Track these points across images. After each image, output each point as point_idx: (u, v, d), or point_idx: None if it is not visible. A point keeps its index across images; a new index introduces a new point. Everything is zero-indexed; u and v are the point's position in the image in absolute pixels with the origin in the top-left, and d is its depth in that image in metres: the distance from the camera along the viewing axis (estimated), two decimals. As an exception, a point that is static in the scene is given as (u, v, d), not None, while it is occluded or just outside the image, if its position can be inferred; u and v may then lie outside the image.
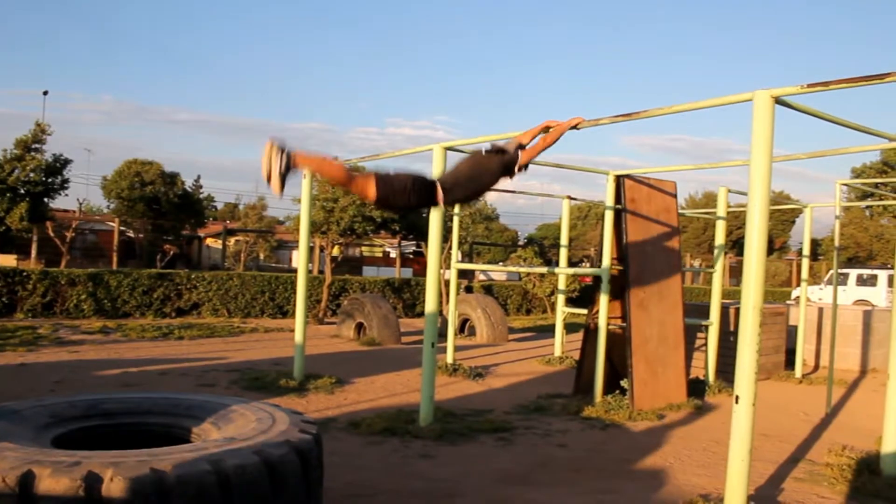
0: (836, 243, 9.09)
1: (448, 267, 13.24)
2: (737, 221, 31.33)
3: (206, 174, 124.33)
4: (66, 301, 15.68)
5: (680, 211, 9.49)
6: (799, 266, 18.11)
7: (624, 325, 8.26)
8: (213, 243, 35.16)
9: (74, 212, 29.20)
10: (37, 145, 19.21)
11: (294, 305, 13.57)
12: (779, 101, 4.32)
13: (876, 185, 19.01)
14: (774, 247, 45.27)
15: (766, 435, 6.90)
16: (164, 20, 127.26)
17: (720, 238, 9.92)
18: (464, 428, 6.75)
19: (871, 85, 4.01)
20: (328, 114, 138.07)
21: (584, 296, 20.40)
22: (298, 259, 9.72)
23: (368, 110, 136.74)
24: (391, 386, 8.99)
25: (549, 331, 15.47)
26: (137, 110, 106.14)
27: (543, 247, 33.16)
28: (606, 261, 8.28)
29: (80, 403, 3.93)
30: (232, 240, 33.27)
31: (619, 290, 8.46)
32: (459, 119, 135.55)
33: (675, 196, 9.06)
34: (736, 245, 35.42)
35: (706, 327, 9.79)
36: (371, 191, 4.01)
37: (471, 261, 26.61)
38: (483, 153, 4.50)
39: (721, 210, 9.93)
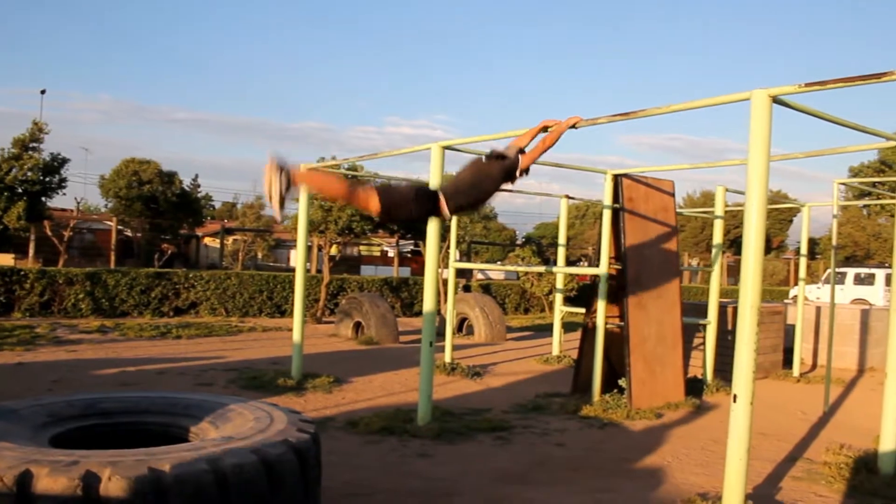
0: (834, 242, 9.10)
1: (446, 266, 13.23)
2: (734, 220, 31.33)
3: (204, 173, 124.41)
4: (63, 300, 15.66)
5: (678, 210, 9.49)
6: (797, 265, 18.13)
7: (622, 324, 8.26)
8: (211, 242, 35.15)
9: (72, 211, 29.20)
10: (34, 144, 19.17)
11: (292, 304, 13.56)
12: (776, 100, 4.32)
13: (873, 185, 19.02)
14: (772, 246, 45.33)
15: (764, 434, 6.91)
16: (163, 20, 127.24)
17: (718, 237, 9.93)
18: (462, 427, 6.75)
19: (869, 84, 4.01)
20: (326, 113, 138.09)
21: (582, 295, 20.40)
22: (296, 258, 9.72)
23: (367, 109, 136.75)
24: (389, 385, 8.99)
25: (547, 330, 15.48)
26: (135, 109, 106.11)
27: (541, 246, 33.19)
28: (604, 260, 8.29)
29: (78, 403, 3.92)
30: (230, 239, 33.25)
31: (617, 289, 8.47)
32: (458, 118, 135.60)
33: (672, 195, 9.07)
34: (734, 244, 35.43)
35: (704, 326, 9.80)
36: (373, 204, 4.00)
37: (469, 260, 26.61)
38: (483, 160, 4.49)
39: (719, 209, 9.94)
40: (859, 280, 25.57)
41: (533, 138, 4.81)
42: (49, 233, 21.24)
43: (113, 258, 22.97)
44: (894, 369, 5.63)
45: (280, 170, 3.78)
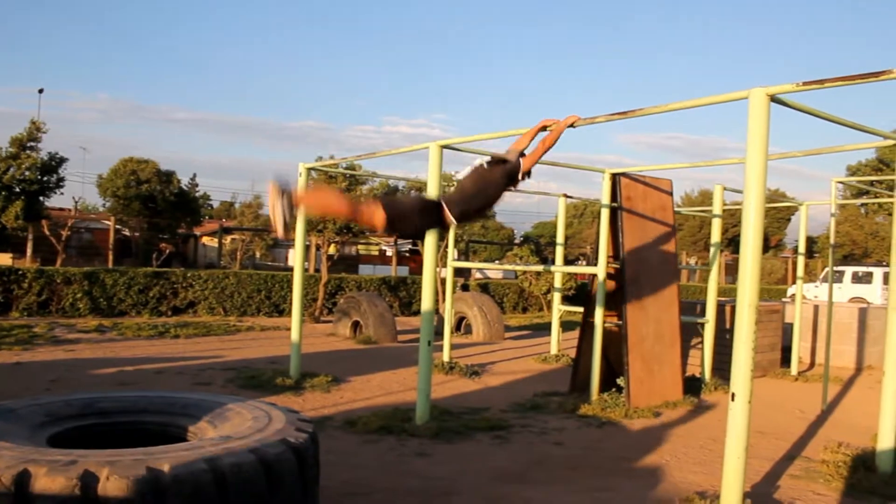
0: (832, 241, 9.11)
1: (444, 265, 13.23)
2: (732, 219, 31.39)
3: (202, 173, 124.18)
4: (61, 300, 15.65)
5: (676, 209, 9.50)
6: (794, 264, 18.14)
7: (620, 323, 8.26)
8: (209, 242, 35.11)
9: (70, 210, 29.14)
10: (32, 143, 19.15)
11: (290, 304, 13.55)
12: (774, 99, 4.32)
13: (871, 183, 19.03)
14: (770, 244, 45.36)
15: (762, 432, 6.91)
16: (162, 19, 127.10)
17: (716, 236, 9.94)
18: (460, 426, 6.75)
19: (867, 83, 4.02)
20: (325, 112, 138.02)
21: (580, 294, 20.42)
22: (294, 257, 9.72)
23: (365, 109, 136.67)
24: (387, 384, 8.99)
25: (545, 329, 15.48)
26: (134, 109, 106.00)
27: (539, 245, 33.16)
28: (602, 259, 8.29)
29: (76, 402, 3.92)
30: (228, 238, 33.24)
31: (616, 288, 8.47)
32: (456, 117, 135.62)
33: (671, 194, 9.08)
34: (732, 243, 35.49)
35: (702, 325, 9.80)
36: (378, 217, 4.00)
37: (467, 259, 26.60)
38: (484, 166, 4.48)
39: (717, 208, 9.95)
40: (857, 278, 25.61)
41: (532, 139, 4.80)
42: (47, 232, 21.21)
43: (111, 258, 22.93)
44: (892, 368, 5.63)
45: (282, 193, 3.81)
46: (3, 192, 18.37)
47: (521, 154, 4.56)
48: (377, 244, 37.15)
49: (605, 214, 8.36)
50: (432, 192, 6.97)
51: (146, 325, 14.33)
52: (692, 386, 8.95)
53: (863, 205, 35.28)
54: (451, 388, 8.81)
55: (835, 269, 12.40)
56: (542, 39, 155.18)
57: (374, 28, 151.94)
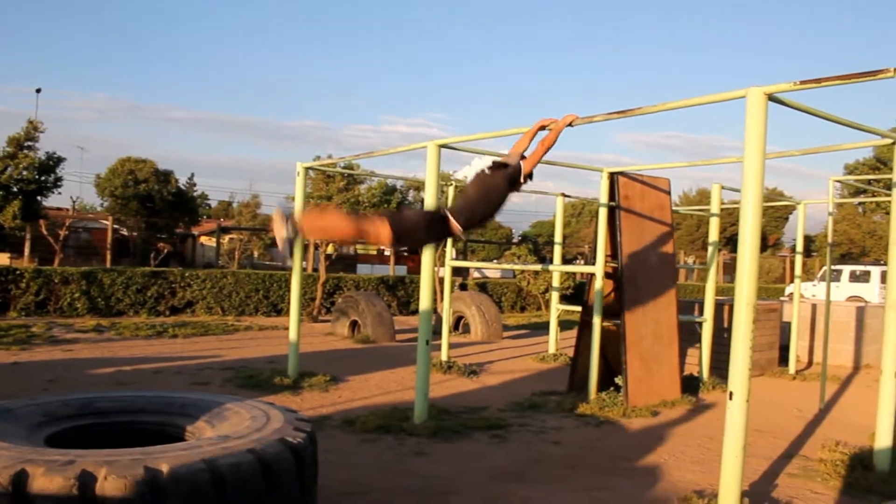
0: (830, 240, 9.12)
1: (442, 264, 13.23)
2: (730, 218, 31.39)
3: (200, 172, 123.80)
4: (59, 299, 15.64)
5: (674, 208, 9.51)
6: (792, 263, 18.17)
7: (618, 322, 8.27)
8: (207, 241, 35.09)
9: (68, 210, 29.13)
10: (30, 143, 19.14)
11: (288, 303, 13.55)
12: (772, 98, 4.33)
13: (869, 182, 19.07)
14: (768, 243, 45.40)
15: (759, 431, 6.92)
16: (159, 19, 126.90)
17: (714, 235, 9.94)
18: (458, 425, 6.75)
19: (864, 82, 4.02)
20: (323, 111, 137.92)
21: (578, 293, 20.43)
22: (293, 257, 9.68)
23: (363, 108, 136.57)
24: (385, 384, 8.99)
25: (543, 328, 15.48)
26: (131, 108, 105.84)
27: (537, 244, 33.18)
28: (600, 258, 8.29)
29: (74, 402, 3.92)
30: (226, 238, 33.19)
31: (614, 287, 8.48)
32: (454, 117, 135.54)
33: (668, 193, 9.08)
34: (730, 242, 35.50)
35: (700, 324, 9.81)
36: (385, 234, 4.01)
37: (465, 258, 26.61)
38: (486, 172, 4.46)
39: (715, 207, 9.96)
40: (855, 277, 25.63)
41: (532, 140, 4.80)
42: (45, 232, 21.20)
43: (109, 257, 22.93)
44: (889, 366, 5.64)
45: (286, 219, 3.86)
46: (1, 192, 18.37)
47: (522, 157, 4.55)
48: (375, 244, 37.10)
49: (603, 214, 8.36)
50: (430, 193, 6.96)
51: (144, 325, 14.32)
52: (690, 385, 8.96)
53: (860, 203, 35.31)
54: (449, 388, 8.82)
55: (832, 267, 12.42)
56: (541, 39, 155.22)
57: (373, 28, 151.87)
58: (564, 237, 12.63)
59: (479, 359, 11.33)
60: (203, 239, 35.19)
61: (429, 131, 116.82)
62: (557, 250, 12.11)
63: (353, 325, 13.90)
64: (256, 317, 17.59)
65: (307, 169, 9.45)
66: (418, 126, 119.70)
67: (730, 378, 4.32)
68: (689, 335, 10.04)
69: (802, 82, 4.15)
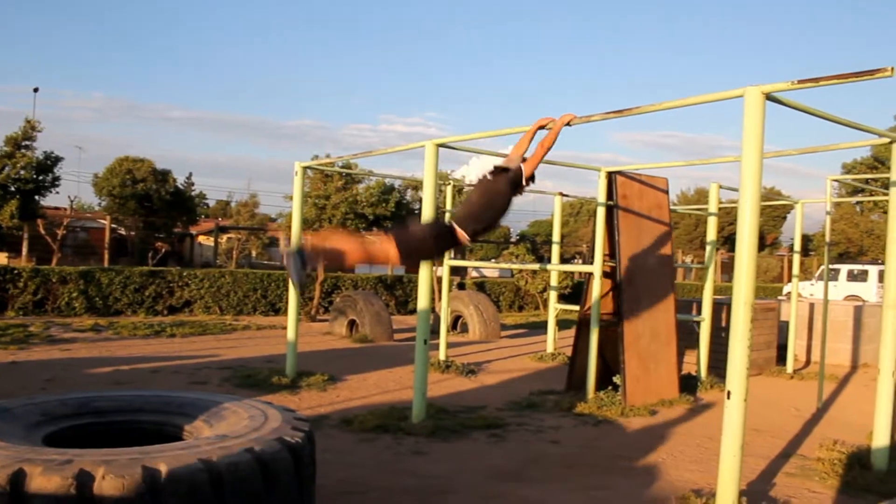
0: (827, 239, 9.13)
1: (440, 264, 13.23)
2: (728, 217, 31.42)
3: (198, 171, 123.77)
4: (57, 299, 15.63)
5: (672, 207, 9.51)
6: (790, 262, 18.19)
7: (616, 321, 8.27)
8: (205, 241, 35.06)
9: (65, 209, 29.09)
10: (27, 142, 19.12)
11: (286, 303, 13.54)
12: (770, 97, 4.33)
13: (866, 181, 19.10)
14: (766, 243, 45.44)
15: (757, 430, 6.93)
16: (157, 18, 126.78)
17: (712, 234, 9.95)
18: (456, 425, 6.76)
19: (862, 81, 4.02)
20: (321, 110, 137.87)
21: (576, 292, 20.43)
22: (291, 256, 9.66)
23: (362, 107, 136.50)
24: (383, 383, 8.99)
25: (541, 327, 15.48)
26: (129, 108, 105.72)
27: (536, 243, 33.15)
28: (598, 257, 8.30)
29: (72, 401, 3.92)
30: (224, 237, 33.18)
31: (611, 286, 8.48)
32: (452, 116, 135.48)
33: (666, 192, 9.09)
34: (727, 241, 35.52)
35: (698, 323, 9.81)
36: (393, 254, 4.05)
37: (463, 257, 26.58)
38: (488, 177, 4.47)
39: (713, 206, 9.96)
40: (852, 277, 25.67)
41: (531, 140, 4.80)
42: (42, 231, 21.19)
43: (107, 257, 22.92)
44: (887, 365, 5.65)
45: (296, 251, 3.92)
46: (-1, 192, 18.35)
47: (523, 159, 4.55)
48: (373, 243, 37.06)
49: (601, 213, 8.36)
50: (428, 192, 6.96)
51: (142, 325, 14.31)
52: (688, 384, 8.96)
53: (858, 203, 35.37)
54: (447, 387, 8.82)
55: (830, 267, 12.43)
56: (540, 39, 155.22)
57: (371, 27, 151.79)
58: (562, 236, 12.64)
59: (477, 358, 11.33)
60: (201, 238, 35.16)
61: (427, 131, 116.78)
62: (555, 249, 12.12)
63: (352, 324, 13.90)
64: (254, 316, 17.58)
65: (305, 168, 9.44)
66: (416, 125, 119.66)
67: (728, 377, 4.32)
68: (686, 334, 10.05)
69: (800, 81, 4.15)
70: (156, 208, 26.42)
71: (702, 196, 41.94)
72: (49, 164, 19.38)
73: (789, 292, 13.33)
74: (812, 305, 12.68)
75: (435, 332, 10.97)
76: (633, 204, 8.50)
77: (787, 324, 11.55)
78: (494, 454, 5.93)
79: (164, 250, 25.81)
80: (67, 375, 8.68)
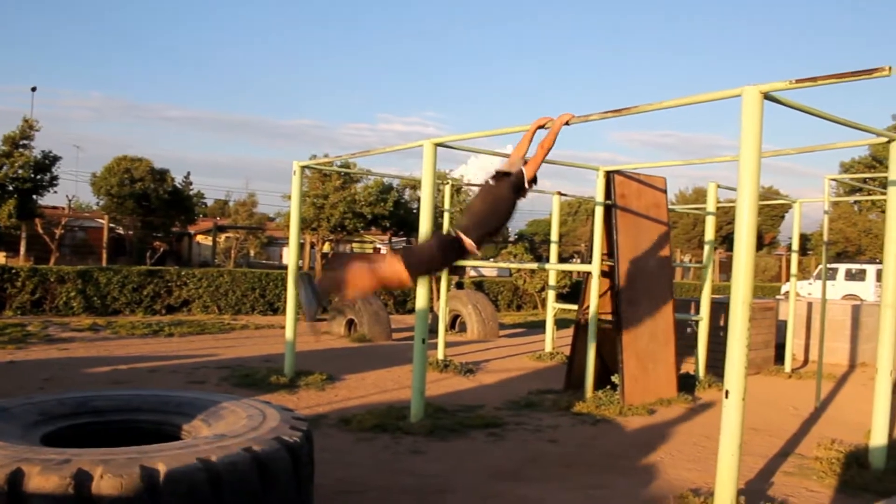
0: (825, 238, 9.13)
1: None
2: (726, 217, 31.44)
3: (196, 171, 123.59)
4: (55, 298, 15.62)
5: (670, 206, 9.52)
6: (788, 261, 18.21)
7: (614, 320, 8.27)
8: (204, 240, 35.07)
9: (63, 209, 29.07)
10: (25, 142, 19.10)
11: (284, 302, 13.54)
12: (767, 96, 4.33)
13: (864, 180, 19.12)
14: (764, 242, 45.46)
15: (755, 429, 6.93)
16: (156, 17, 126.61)
17: (710, 233, 9.95)
18: (454, 424, 6.76)
19: (860, 80, 4.02)
20: (319, 110, 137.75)
21: (574, 291, 20.44)
22: (289, 255, 9.72)
23: (360, 106, 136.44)
24: (382, 382, 8.99)
25: (539, 327, 15.49)
26: (127, 107, 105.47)
27: (534, 243, 33.18)
28: (597, 257, 8.30)
29: (70, 401, 3.91)
30: (222, 236, 33.19)
31: (610, 285, 8.48)
32: (450, 115, 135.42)
33: (664, 191, 9.08)
34: (726, 240, 35.53)
35: (696, 322, 9.82)
36: (404, 275, 4.05)
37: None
38: (490, 182, 4.46)
39: (711, 205, 9.96)
40: (850, 276, 25.67)
41: (531, 141, 4.79)
42: (40, 231, 21.18)
43: (105, 256, 22.91)
44: (885, 365, 5.65)
45: (308, 283, 3.99)
46: (-3, 191, 18.33)
47: (524, 162, 4.54)
48: (371, 242, 37.13)
49: (599, 212, 8.36)
50: (426, 191, 6.96)
51: (140, 324, 14.30)
52: (686, 383, 8.97)
53: (856, 202, 35.38)
54: (445, 386, 8.82)
55: (828, 266, 12.44)
56: (538, 38, 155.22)
57: (369, 27, 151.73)
58: (561, 236, 12.64)
59: (475, 357, 11.33)
60: (199, 238, 35.17)
61: (425, 130, 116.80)
62: (554, 249, 12.12)
63: (350, 323, 13.90)
64: (253, 315, 17.58)
65: (304, 168, 9.44)
66: (414, 125, 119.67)
67: (726, 376, 4.33)
68: (684, 334, 10.05)
69: (798, 81, 4.15)
70: (154, 208, 26.40)
71: (700, 195, 41.94)
72: (47, 163, 19.37)
73: (787, 291, 13.34)
74: (810, 305, 12.69)
75: (433, 331, 10.97)
76: (631, 203, 8.50)
77: (785, 323, 11.55)
78: (493, 453, 5.93)
79: (162, 250, 25.81)
80: (65, 375, 8.68)
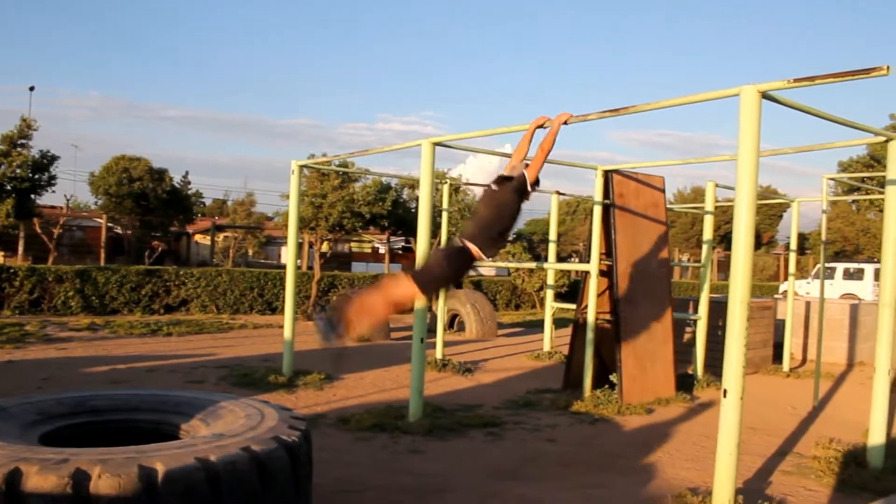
0: (823, 237, 9.15)
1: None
2: (725, 216, 31.46)
3: (195, 170, 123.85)
4: (53, 298, 15.60)
5: (668, 206, 9.52)
6: (786, 260, 18.20)
7: (612, 319, 8.28)
8: (202, 239, 35.05)
9: (62, 208, 29.06)
10: (23, 141, 19.07)
11: (283, 301, 13.52)
12: (766, 95, 4.33)
13: (862, 180, 19.13)
14: (762, 241, 45.47)
15: (753, 428, 6.94)
16: (154, 17, 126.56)
17: (708, 233, 9.95)
18: (453, 423, 6.76)
19: (858, 79, 4.02)
20: (317, 109, 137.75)
21: (573, 291, 20.43)
22: (287, 255, 9.71)
23: (358, 105, 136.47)
24: (380, 382, 8.99)
25: (538, 326, 15.49)
26: (125, 106, 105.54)
27: (532, 242, 33.18)
28: (595, 256, 8.30)
29: (68, 400, 3.91)
30: (220, 236, 33.18)
31: (608, 285, 8.48)
32: (448, 115, 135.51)
33: (663, 191, 9.08)
34: (724, 240, 35.54)
35: (695, 322, 9.82)
36: (414, 289, 4.07)
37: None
38: (493, 188, 4.45)
39: (709, 205, 9.96)
40: (848, 275, 25.70)
41: (530, 142, 4.79)
42: (38, 230, 21.16)
43: (103, 255, 22.90)
44: (883, 364, 5.66)
45: (325, 319, 3.99)
46: (-6, 190, 18.31)
47: (525, 165, 4.53)
48: (370, 242, 37.14)
49: (597, 211, 8.36)
50: (425, 191, 6.96)
51: (138, 323, 14.29)
52: (684, 382, 8.97)
53: (854, 201, 35.38)
54: (444, 386, 8.82)
55: (826, 265, 12.45)
56: (537, 38, 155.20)
57: (368, 26, 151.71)
58: (559, 235, 12.64)
59: (473, 357, 11.33)
60: (198, 237, 35.15)
61: (423, 129, 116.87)
62: (552, 248, 12.11)
63: (348, 323, 13.87)
64: (251, 315, 17.57)
65: (302, 167, 9.44)
66: (413, 124, 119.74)
67: (724, 376, 4.33)
68: (682, 333, 10.06)
69: (796, 80, 4.16)
70: (152, 207, 26.37)
71: (698, 195, 41.96)
72: (45, 162, 19.33)
73: (785, 291, 13.34)
74: (808, 304, 12.70)
75: (432, 330, 10.97)
76: (629, 202, 8.50)
77: (783, 322, 11.56)
78: (491, 453, 5.93)
79: (160, 249, 25.78)
80: (63, 374, 8.67)
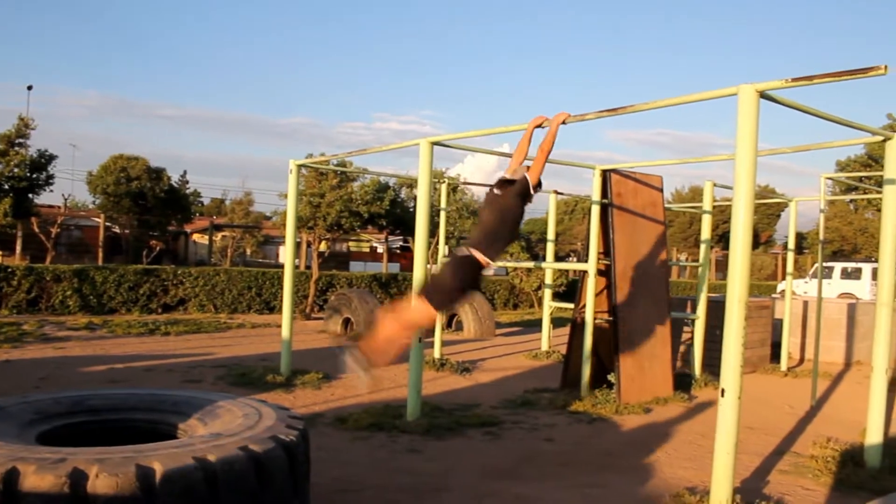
0: (821, 237, 9.15)
1: (435, 262, 13.23)
2: (722, 216, 31.46)
3: (193, 169, 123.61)
4: (51, 297, 15.59)
5: (666, 205, 9.53)
6: (784, 260, 18.21)
7: (611, 319, 8.28)
8: (200, 239, 35.01)
9: (59, 207, 29.01)
10: (21, 140, 19.03)
11: (281, 301, 13.52)
12: (764, 95, 4.34)
13: (860, 179, 19.15)
14: (760, 241, 45.53)
15: (751, 428, 6.94)
16: (152, 16, 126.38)
17: (706, 232, 9.96)
18: (451, 422, 6.76)
19: (856, 79, 4.03)
20: (315, 109, 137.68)
21: (571, 290, 20.43)
22: (285, 254, 9.71)
23: (356, 105, 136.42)
24: (378, 381, 8.97)
25: (536, 325, 15.50)
26: (123, 106, 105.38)
27: (530, 241, 33.18)
28: (593, 255, 8.30)
29: (66, 400, 3.91)
30: (218, 235, 33.15)
31: (606, 284, 8.49)
32: (446, 114, 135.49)
33: (661, 190, 9.09)
34: (722, 239, 35.56)
35: (692, 321, 9.82)
36: (431, 312, 4.11)
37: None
38: (495, 192, 4.45)
39: (707, 204, 9.97)
40: (846, 274, 25.73)
41: (530, 142, 4.79)
42: (36, 229, 21.13)
43: (101, 255, 22.87)
44: (880, 363, 5.67)
45: (350, 356, 4.06)
46: (-8, 190, 18.27)
47: (526, 167, 4.52)
48: (368, 241, 37.12)
49: (595, 211, 8.37)
50: (423, 190, 6.96)
51: (136, 323, 14.28)
52: (682, 382, 8.98)
53: (852, 201, 35.43)
54: (441, 385, 8.82)
55: (824, 265, 12.47)
56: (536, 37, 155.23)
57: (366, 26, 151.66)
58: (557, 234, 12.64)
59: (471, 356, 11.34)
60: (196, 236, 35.11)
61: (421, 128, 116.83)
62: (550, 247, 12.11)
63: (346, 322, 13.89)
64: (249, 314, 17.57)
65: (300, 166, 9.43)
66: (411, 123, 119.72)
67: (721, 375, 4.33)
68: (681, 332, 10.06)
69: (794, 79, 4.16)
70: (150, 206, 26.33)
71: (696, 194, 42.00)
72: (43, 162, 19.29)
73: (783, 290, 13.36)
74: (806, 303, 12.71)
75: (430, 330, 10.96)
76: (627, 202, 8.50)
77: (781, 322, 11.58)
78: (489, 452, 5.93)
79: (158, 248, 25.75)
80: (61, 374, 8.66)
